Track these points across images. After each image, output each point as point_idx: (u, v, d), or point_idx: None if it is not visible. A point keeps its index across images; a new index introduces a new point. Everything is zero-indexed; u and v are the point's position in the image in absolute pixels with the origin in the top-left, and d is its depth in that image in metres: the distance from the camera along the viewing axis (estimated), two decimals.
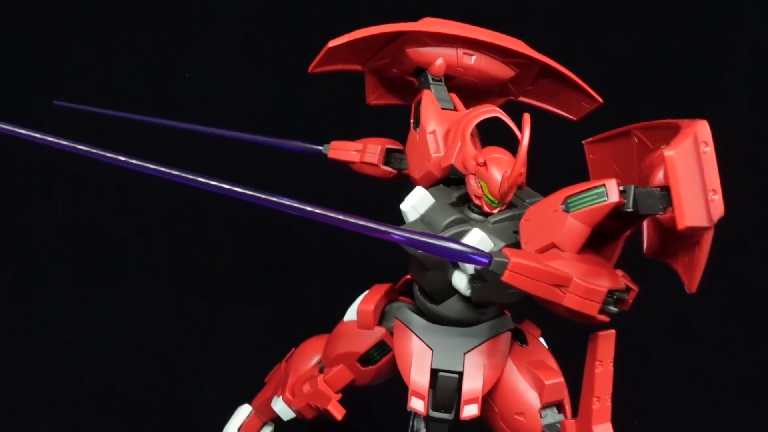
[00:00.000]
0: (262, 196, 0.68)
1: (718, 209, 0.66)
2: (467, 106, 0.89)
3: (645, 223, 0.75)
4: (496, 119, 0.83)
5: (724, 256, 1.47)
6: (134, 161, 0.70)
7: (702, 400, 1.39)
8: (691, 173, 0.66)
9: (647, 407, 1.36)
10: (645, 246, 0.75)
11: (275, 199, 0.68)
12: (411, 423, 0.96)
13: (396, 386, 0.86)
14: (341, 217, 0.68)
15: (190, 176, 0.69)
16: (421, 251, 0.77)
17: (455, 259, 0.71)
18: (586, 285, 0.69)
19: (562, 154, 0.94)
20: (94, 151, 0.70)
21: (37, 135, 0.71)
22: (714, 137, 0.67)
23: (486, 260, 0.69)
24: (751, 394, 1.41)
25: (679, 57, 1.64)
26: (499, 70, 0.92)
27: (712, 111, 1.58)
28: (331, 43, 0.86)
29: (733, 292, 1.56)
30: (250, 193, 0.68)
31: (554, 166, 1.03)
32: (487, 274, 0.72)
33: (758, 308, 1.55)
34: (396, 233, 0.70)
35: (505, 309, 0.86)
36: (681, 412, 1.36)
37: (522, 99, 0.97)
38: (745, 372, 1.44)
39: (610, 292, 0.70)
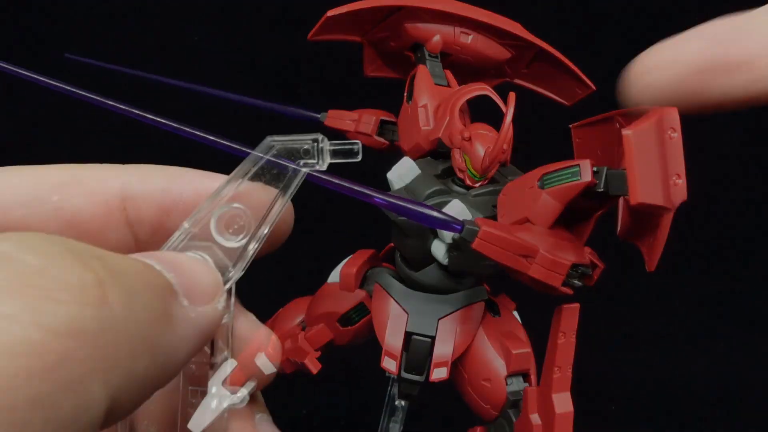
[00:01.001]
0: (253, 151, 0.71)
1: (680, 193, 0.68)
2: (462, 84, 0.89)
3: (620, 206, 0.77)
4: (489, 98, 0.84)
5: (705, 244, 1.50)
6: (138, 111, 0.72)
7: (679, 387, 1.40)
8: (649, 153, 0.67)
9: (624, 393, 1.38)
10: (618, 228, 0.77)
11: (265, 156, 0.70)
12: (389, 388, 0.98)
13: (380, 355, 0.88)
14: (329, 178, 0.70)
15: (188, 128, 0.71)
16: (402, 218, 0.79)
17: (431, 225, 0.73)
18: (551, 257, 0.71)
19: (556, 137, 0.95)
20: (101, 99, 0.72)
21: (52, 81, 0.73)
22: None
23: (459, 227, 0.71)
24: (731, 384, 1.43)
25: None
26: (495, 50, 0.94)
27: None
28: (330, 13, 0.87)
29: (711, 284, 1.57)
30: (235, 146, 0.70)
31: (548, 149, 1.04)
32: (462, 244, 0.74)
33: (737, 297, 1.57)
34: (378, 197, 0.72)
35: (484, 282, 0.89)
36: (657, 398, 1.38)
37: (517, 81, 0.99)
38: (726, 363, 1.46)
39: (575, 266, 0.73)
